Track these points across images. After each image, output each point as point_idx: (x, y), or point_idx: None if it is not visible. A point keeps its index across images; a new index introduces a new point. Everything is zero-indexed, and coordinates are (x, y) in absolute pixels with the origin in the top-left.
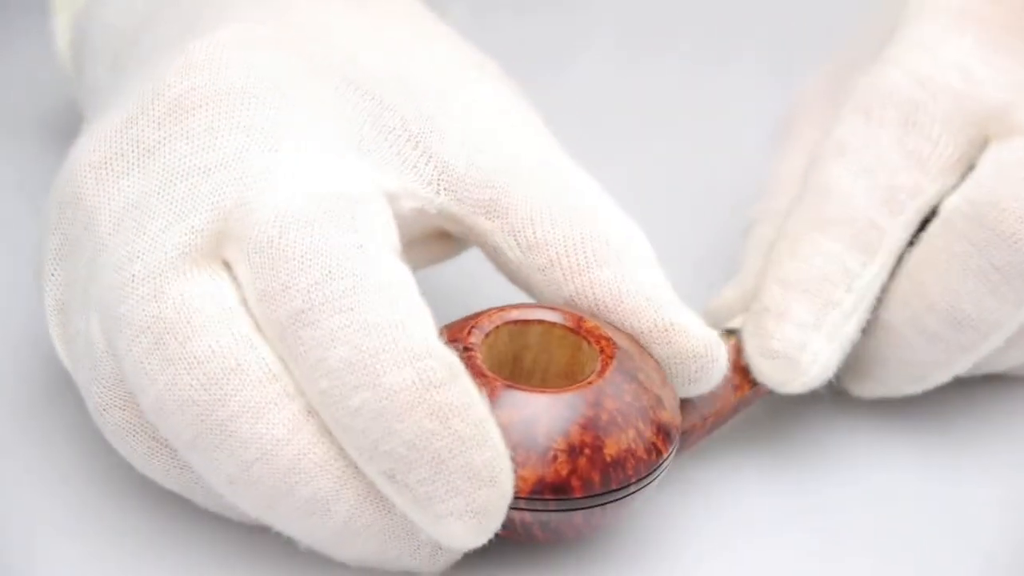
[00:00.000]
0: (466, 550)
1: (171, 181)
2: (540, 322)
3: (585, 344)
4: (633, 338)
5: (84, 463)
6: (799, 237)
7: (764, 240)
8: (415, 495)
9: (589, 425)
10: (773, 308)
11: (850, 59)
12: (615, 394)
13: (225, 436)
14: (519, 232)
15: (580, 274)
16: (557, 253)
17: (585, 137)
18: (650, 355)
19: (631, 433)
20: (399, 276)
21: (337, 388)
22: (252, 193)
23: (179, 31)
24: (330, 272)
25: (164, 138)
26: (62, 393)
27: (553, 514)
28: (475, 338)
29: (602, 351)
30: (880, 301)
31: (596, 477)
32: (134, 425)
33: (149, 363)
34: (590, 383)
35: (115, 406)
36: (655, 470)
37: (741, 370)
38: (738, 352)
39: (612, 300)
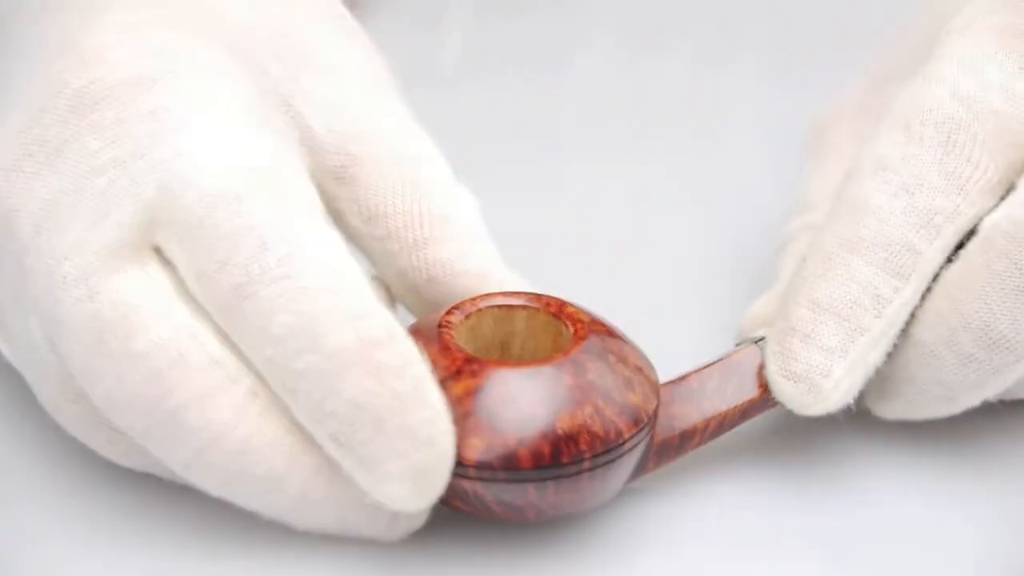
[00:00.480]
0: (412, 512)
1: (87, 177)
2: (524, 308)
3: (564, 328)
4: (610, 325)
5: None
6: (832, 256)
7: (800, 257)
8: (359, 457)
9: (542, 398)
10: (800, 329)
11: (886, 72)
12: (575, 371)
13: (175, 426)
14: (362, 201)
15: (417, 250)
16: (396, 226)
17: (584, 137)
18: (629, 342)
19: (588, 409)
20: (331, 240)
21: (282, 354)
22: (172, 177)
23: (53, 18)
24: (264, 243)
25: (72, 135)
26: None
27: (504, 485)
28: (454, 318)
29: (575, 332)
30: (913, 317)
31: (546, 449)
32: (89, 417)
33: (93, 362)
34: (552, 359)
35: (67, 401)
36: (613, 450)
37: (754, 377)
38: (738, 357)
39: (446, 278)
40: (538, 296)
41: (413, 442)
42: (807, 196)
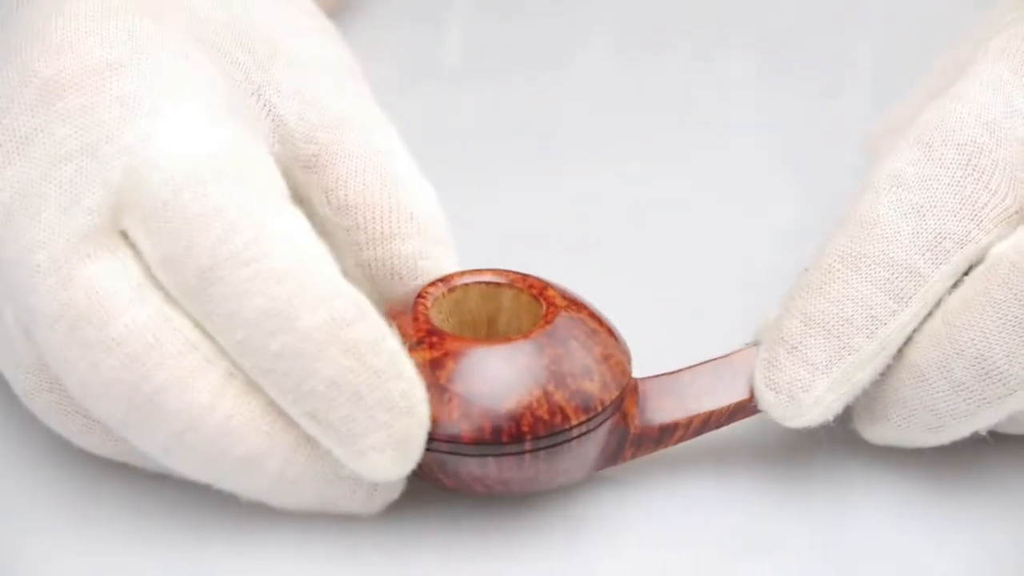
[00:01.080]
0: (391, 481)
1: (56, 165)
2: (511, 287)
3: (541, 310)
4: (593, 311)
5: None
6: (831, 270)
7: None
8: (339, 433)
9: (493, 376)
10: (789, 340)
11: (937, 84)
12: (531, 352)
13: (153, 411)
14: (331, 191)
15: (382, 243)
16: (364, 218)
17: (584, 135)
18: (606, 331)
19: (536, 392)
20: (297, 222)
21: (255, 337)
22: (138, 161)
23: (21, 12)
24: (231, 226)
25: (41, 124)
26: None
27: (447, 457)
28: (436, 289)
29: (545, 315)
30: (910, 340)
31: (487, 426)
32: (64, 406)
33: (68, 350)
34: (511, 339)
35: (42, 389)
36: (557, 434)
37: (746, 380)
38: (737, 358)
39: (408, 274)
40: (524, 277)
41: (393, 413)
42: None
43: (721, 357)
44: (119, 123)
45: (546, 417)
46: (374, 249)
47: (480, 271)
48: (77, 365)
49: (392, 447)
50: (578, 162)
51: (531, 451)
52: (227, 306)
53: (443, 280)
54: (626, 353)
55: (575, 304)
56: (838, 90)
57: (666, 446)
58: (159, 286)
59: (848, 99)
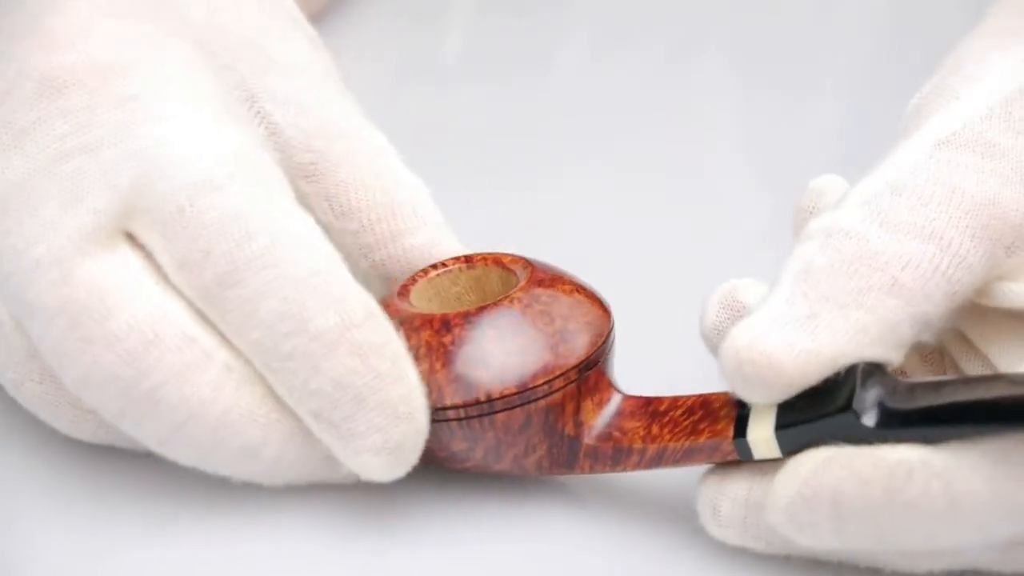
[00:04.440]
0: (384, 481)
1: (55, 161)
2: (513, 274)
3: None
4: (573, 306)
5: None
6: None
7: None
8: (339, 432)
9: (432, 346)
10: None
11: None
12: (466, 329)
13: (153, 405)
14: (333, 197)
15: (392, 241)
16: (370, 220)
17: (584, 135)
18: (559, 326)
19: (423, 367)
20: (309, 225)
21: (268, 337)
22: (150, 166)
23: (22, 4)
24: (247, 232)
25: (39, 118)
26: None
27: None
28: (449, 265)
29: (501, 297)
30: None
31: None
32: (54, 397)
33: (68, 344)
34: (450, 315)
35: (31, 380)
36: (472, 406)
37: (713, 422)
38: (717, 400)
39: (426, 264)
40: (522, 259)
41: (392, 418)
42: None
43: (707, 394)
44: (123, 126)
45: (461, 391)
46: (386, 248)
47: (500, 254)
48: (76, 360)
49: (388, 451)
50: (565, 163)
51: (456, 420)
52: (244, 309)
53: (462, 259)
54: (576, 346)
55: (532, 292)
56: (815, 90)
57: (623, 469)
58: (159, 281)
59: (824, 98)
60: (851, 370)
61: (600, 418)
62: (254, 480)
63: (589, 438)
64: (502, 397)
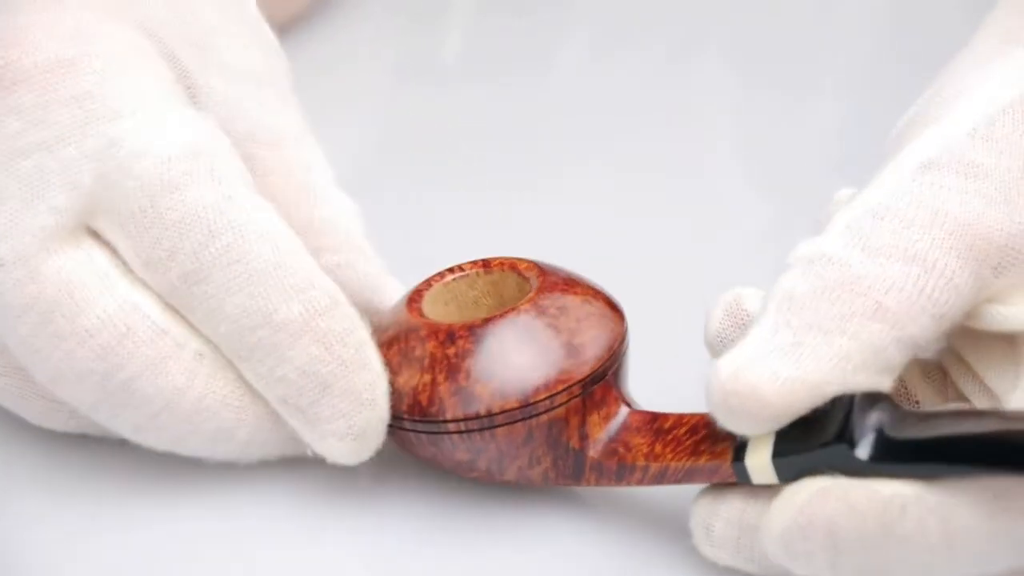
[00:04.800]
0: (349, 464)
1: (11, 159)
2: (528, 281)
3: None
4: (559, 324)
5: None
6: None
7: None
8: (306, 417)
9: (400, 350)
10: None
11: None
12: (456, 341)
13: (128, 396)
14: None
15: (314, 257)
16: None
17: (566, 136)
18: (553, 343)
19: (426, 378)
20: (270, 217)
21: (236, 330)
22: (110, 166)
23: None
24: (210, 231)
25: None
26: None
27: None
28: (467, 269)
29: (503, 311)
30: None
31: (423, 402)
32: (23, 389)
33: (38, 341)
34: (454, 324)
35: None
36: (431, 422)
37: (714, 445)
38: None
39: (338, 284)
40: (536, 266)
41: (356, 404)
42: None
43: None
44: (79, 125)
45: (424, 403)
46: None
47: (518, 260)
48: (49, 356)
49: (352, 435)
50: (565, 163)
51: (414, 431)
52: (210, 304)
53: (481, 263)
54: (574, 373)
55: (540, 304)
56: (815, 90)
57: (627, 484)
58: (126, 274)
59: (824, 98)
60: (841, 399)
61: (605, 432)
62: (228, 459)
63: (594, 452)
64: (503, 412)
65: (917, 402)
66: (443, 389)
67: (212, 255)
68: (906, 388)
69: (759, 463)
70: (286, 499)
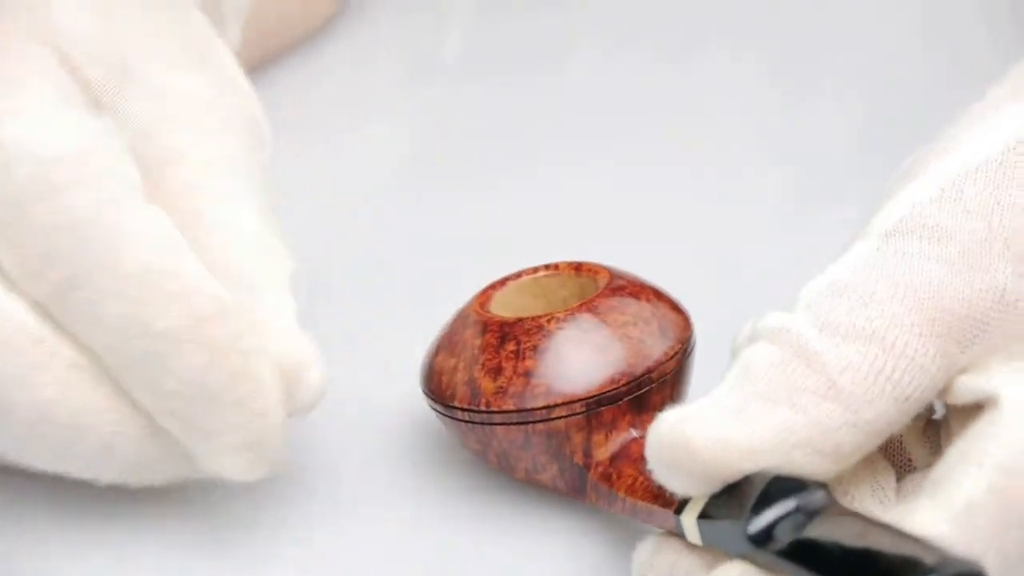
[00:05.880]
0: (248, 481)
1: None
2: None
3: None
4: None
5: None
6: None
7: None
8: (196, 431)
9: (449, 330)
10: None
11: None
12: (484, 333)
13: (3, 411)
14: None
15: None
16: None
17: (582, 135)
18: (586, 357)
19: (452, 362)
20: (157, 221)
21: (117, 340)
22: None
23: None
24: (86, 236)
25: None
26: None
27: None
28: (563, 269)
29: (561, 312)
30: None
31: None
32: None
33: None
34: (495, 316)
35: None
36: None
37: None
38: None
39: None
40: (607, 281)
41: (247, 415)
42: None
43: None
44: None
45: (442, 385)
46: None
47: (599, 268)
48: None
49: (246, 448)
50: (577, 161)
51: (434, 410)
52: (89, 313)
53: (564, 265)
54: (576, 391)
55: (573, 319)
56: (841, 92)
57: (617, 512)
58: (3, 281)
59: (840, 96)
60: (762, 475)
61: (608, 455)
62: (118, 482)
63: (595, 473)
64: (500, 411)
65: (910, 459)
66: (460, 376)
67: (87, 260)
68: (902, 445)
69: (689, 521)
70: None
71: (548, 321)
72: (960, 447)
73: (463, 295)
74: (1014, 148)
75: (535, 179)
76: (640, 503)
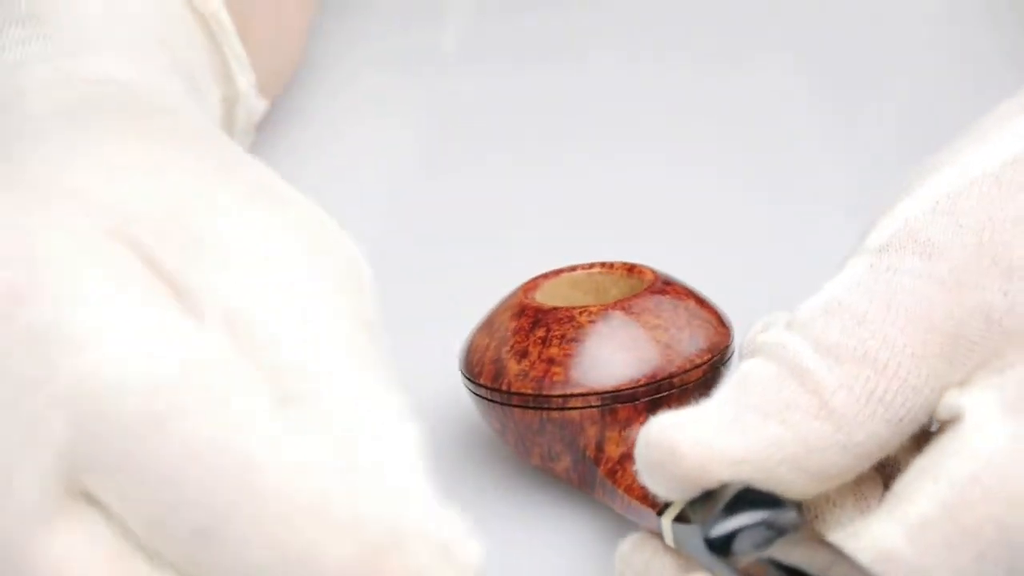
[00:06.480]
0: None
1: None
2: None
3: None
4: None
5: None
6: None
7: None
8: None
9: (493, 312)
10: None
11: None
12: (520, 317)
13: None
14: None
15: None
16: None
17: (587, 129)
18: (608, 355)
19: (485, 340)
20: (285, 440)
21: None
22: (82, 408)
23: None
24: (221, 470)
25: None
26: None
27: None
28: (618, 268)
29: (598, 307)
30: None
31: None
32: None
33: None
34: (535, 303)
35: None
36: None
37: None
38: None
39: None
40: (653, 286)
41: None
42: None
43: None
44: (39, 363)
45: (473, 361)
46: None
47: (643, 269)
48: None
49: None
50: (581, 154)
51: (463, 383)
52: (230, 560)
53: (596, 264)
54: (594, 384)
55: (607, 316)
56: (858, 82)
57: (618, 510)
58: (137, 547)
59: (880, 96)
60: (736, 484)
61: (617, 453)
62: None
63: (604, 469)
64: (519, 393)
65: (899, 468)
66: (489, 354)
67: (225, 500)
68: (896, 461)
69: (666, 523)
70: None
71: (580, 313)
72: (920, 462)
73: (502, 289)
74: (1012, 163)
75: (533, 173)
76: (633, 502)
